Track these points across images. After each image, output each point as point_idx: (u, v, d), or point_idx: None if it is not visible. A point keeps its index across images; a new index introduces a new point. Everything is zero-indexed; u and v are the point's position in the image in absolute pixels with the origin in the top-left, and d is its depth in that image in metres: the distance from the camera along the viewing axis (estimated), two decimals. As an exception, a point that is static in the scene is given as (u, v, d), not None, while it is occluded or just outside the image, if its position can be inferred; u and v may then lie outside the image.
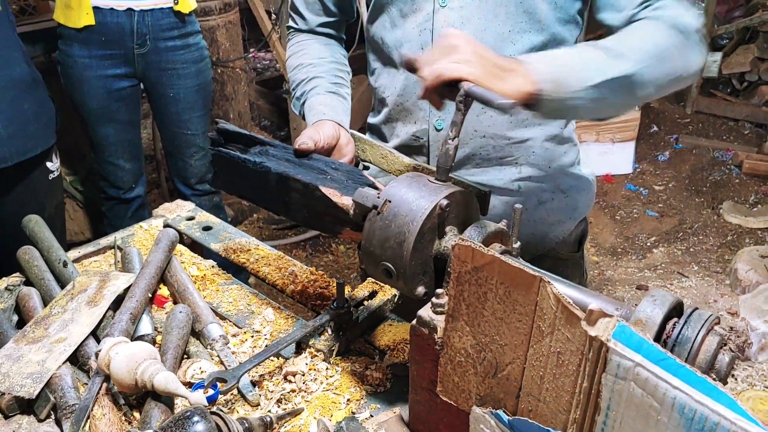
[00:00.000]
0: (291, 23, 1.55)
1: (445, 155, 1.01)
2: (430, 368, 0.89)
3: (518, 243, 0.96)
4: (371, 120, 1.49)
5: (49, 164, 2.03)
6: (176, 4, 2.45)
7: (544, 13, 1.22)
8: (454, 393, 0.86)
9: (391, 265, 0.91)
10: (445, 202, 0.92)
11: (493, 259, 0.75)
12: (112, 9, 2.39)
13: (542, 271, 0.87)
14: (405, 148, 1.38)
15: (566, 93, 1.02)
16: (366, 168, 1.28)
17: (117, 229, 1.55)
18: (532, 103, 1.01)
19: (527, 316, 0.73)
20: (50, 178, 2.05)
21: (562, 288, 0.83)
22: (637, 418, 0.63)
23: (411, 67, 1.03)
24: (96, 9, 2.37)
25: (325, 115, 1.27)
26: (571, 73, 1.03)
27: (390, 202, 0.93)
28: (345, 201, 0.99)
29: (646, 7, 1.15)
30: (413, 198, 0.93)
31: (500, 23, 1.23)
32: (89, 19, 2.37)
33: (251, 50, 5.22)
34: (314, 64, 1.41)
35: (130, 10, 2.40)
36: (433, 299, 0.86)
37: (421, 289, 0.92)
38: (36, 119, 1.96)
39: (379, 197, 0.94)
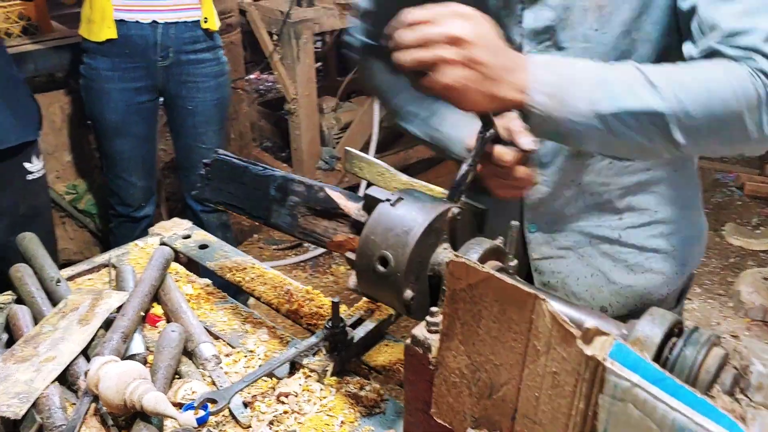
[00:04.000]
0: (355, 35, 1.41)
1: (459, 177, 1.00)
2: (424, 389, 0.87)
3: (515, 261, 0.94)
4: None
5: (27, 164, 2.04)
6: (206, 21, 2.49)
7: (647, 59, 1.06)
8: (449, 415, 0.84)
9: (390, 254, 0.89)
10: (457, 210, 0.93)
11: (487, 276, 0.73)
12: (137, 22, 2.42)
13: (539, 288, 0.85)
14: None
15: (564, 114, 0.87)
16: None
17: (125, 249, 1.54)
18: (523, 113, 0.89)
19: (522, 334, 0.71)
20: (28, 179, 2.05)
21: (558, 306, 0.81)
22: (635, 441, 0.61)
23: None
24: (121, 22, 2.41)
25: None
26: (578, 90, 0.87)
27: (402, 199, 0.94)
28: (348, 204, 1.00)
29: (728, 39, 0.91)
30: (427, 200, 0.94)
31: None
32: (111, 33, 2.41)
33: (254, 72, 5.25)
34: None
35: (154, 22, 2.44)
36: (428, 318, 0.84)
37: (408, 293, 0.90)
38: (13, 115, 1.98)
39: (392, 194, 0.95)
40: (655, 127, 0.87)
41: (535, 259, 1.27)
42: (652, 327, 0.74)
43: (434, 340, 0.83)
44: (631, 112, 0.86)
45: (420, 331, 0.85)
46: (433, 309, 0.84)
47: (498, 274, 0.73)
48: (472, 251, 0.87)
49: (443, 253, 0.92)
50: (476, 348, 0.78)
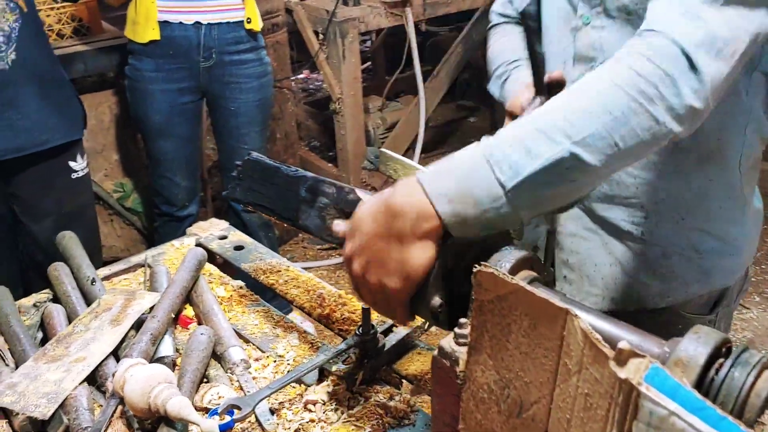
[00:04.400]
0: (494, 12, 1.46)
1: None
2: (452, 403, 0.83)
3: (553, 270, 0.89)
4: None
5: (72, 163, 2.07)
6: (249, 22, 2.49)
7: None
8: (477, 432, 0.80)
9: None
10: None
11: (516, 287, 0.69)
12: (180, 23, 2.44)
13: (574, 301, 0.80)
14: None
15: (477, 208, 0.80)
16: None
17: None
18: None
19: (553, 351, 0.67)
20: (73, 177, 2.07)
21: (594, 320, 0.76)
22: (673, 474, 0.55)
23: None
24: (165, 23, 2.43)
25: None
26: (477, 180, 0.80)
27: None
28: None
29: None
30: None
31: None
32: (155, 34, 2.43)
33: (304, 71, 5.27)
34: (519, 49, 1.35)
35: (197, 23, 2.45)
36: (456, 329, 0.80)
37: (437, 300, 0.86)
38: (58, 114, 2.00)
39: None
40: (568, 170, 0.80)
41: (560, 233, 1.25)
42: (696, 346, 0.68)
43: (462, 352, 0.79)
44: (536, 172, 0.79)
45: (448, 342, 0.81)
46: (462, 320, 0.80)
47: (528, 287, 0.68)
48: (503, 260, 0.82)
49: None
50: (505, 363, 0.73)
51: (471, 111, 4.96)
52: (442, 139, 4.53)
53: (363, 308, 1.09)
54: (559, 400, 0.67)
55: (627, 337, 0.74)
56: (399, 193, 0.84)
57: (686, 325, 1.27)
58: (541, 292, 0.68)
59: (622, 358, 0.58)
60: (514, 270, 0.82)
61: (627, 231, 1.20)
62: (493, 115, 4.66)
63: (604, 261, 1.23)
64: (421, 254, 0.84)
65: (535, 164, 0.79)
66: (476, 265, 0.72)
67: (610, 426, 0.60)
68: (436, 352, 0.82)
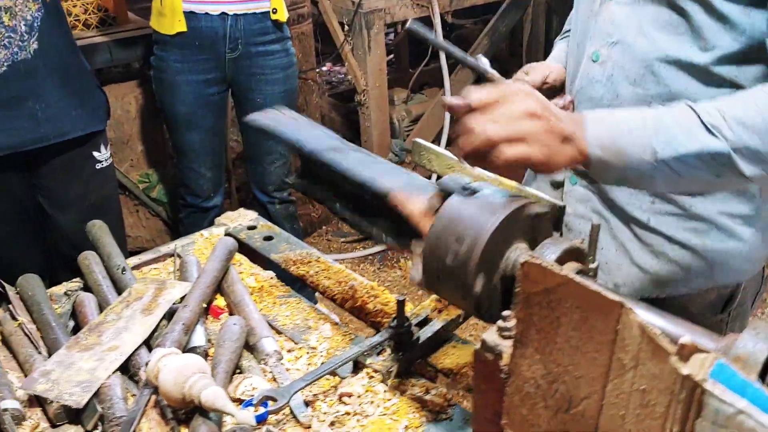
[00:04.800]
0: None
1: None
2: (495, 398, 0.80)
3: (596, 263, 0.87)
4: None
5: (96, 153, 2.06)
6: (275, 13, 2.47)
7: (709, 28, 1.04)
8: (522, 427, 0.78)
9: (460, 249, 0.84)
10: (536, 207, 0.88)
11: (566, 279, 0.66)
12: (206, 14, 2.42)
13: (625, 296, 0.78)
14: None
15: (623, 162, 0.88)
16: None
17: (193, 239, 1.53)
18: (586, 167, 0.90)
19: (606, 346, 0.64)
20: (97, 168, 2.07)
21: (648, 315, 0.74)
22: (738, 475, 0.53)
23: (452, 112, 0.90)
24: (191, 14, 2.42)
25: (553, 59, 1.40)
26: (635, 139, 0.88)
27: (476, 192, 0.89)
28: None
29: None
30: (500, 194, 0.89)
31: (656, 30, 1.08)
32: (181, 26, 2.42)
33: (327, 64, 5.25)
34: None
35: (224, 14, 2.43)
36: (500, 322, 0.78)
37: (479, 283, 0.84)
38: (80, 105, 1.99)
39: (467, 184, 0.91)
40: (720, 164, 0.88)
41: (569, 214, 1.27)
42: (756, 342, 0.65)
43: (506, 346, 0.77)
44: (692, 154, 0.87)
45: (491, 336, 0.79)
46: (506, 313, 0.78)
47: (579, 278, 0.66)
48: (549, 252, 0.80)
49: (517, 252, 0.85)
50: (553, 357, 0.71)
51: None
52: (466, 132, 4.49)
53: (397, 300, 1.07)
54: (612, 396, 0.65)
55: (682, 332, 0.72)
56: (565, 119, 0.88)
57: (693, 323, 1.25)
58: (593, 284, 0.66)
59: (685, 353, 0.56)
60: (560, 261, 0.80)
61: (633, 216, 1.21)
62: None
63: (610, 245, 1.24)
64: (566, 160, 0.87)
65: (694, 147, 0.87)
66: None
67: (670, 423, 0.58)
68: (478, 346, 0.80)
